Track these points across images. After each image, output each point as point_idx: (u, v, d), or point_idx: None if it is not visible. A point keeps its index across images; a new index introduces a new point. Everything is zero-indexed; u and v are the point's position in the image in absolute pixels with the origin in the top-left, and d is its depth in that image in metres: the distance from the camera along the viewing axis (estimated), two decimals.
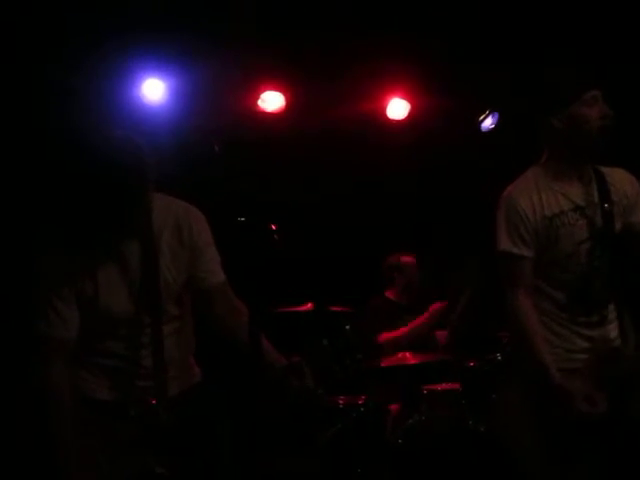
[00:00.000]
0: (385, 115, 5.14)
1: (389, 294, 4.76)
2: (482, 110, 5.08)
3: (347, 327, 3.90)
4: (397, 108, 5.15)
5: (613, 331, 2.58)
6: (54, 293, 2.14)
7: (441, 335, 4.60)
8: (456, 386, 4.10)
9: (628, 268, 2.60)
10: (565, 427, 2.41)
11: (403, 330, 4.51)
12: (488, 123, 5.23)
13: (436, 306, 4.55)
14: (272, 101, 4.91)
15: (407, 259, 4.79)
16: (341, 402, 4.11)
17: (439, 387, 4.20)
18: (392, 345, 4.39)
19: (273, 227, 2.27)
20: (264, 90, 4.90)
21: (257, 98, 4.89)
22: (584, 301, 2.55)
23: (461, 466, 3.74)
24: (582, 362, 2.53)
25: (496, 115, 5.20)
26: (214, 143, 4.01)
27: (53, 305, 2.14)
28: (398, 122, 5.14)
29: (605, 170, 2.61)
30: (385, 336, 4.48)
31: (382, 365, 4.20)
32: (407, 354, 4.17)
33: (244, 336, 2.16)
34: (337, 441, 3.92)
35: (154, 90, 4.64)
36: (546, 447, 2.45)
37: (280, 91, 4.91)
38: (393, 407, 4.12)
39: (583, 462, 2.42)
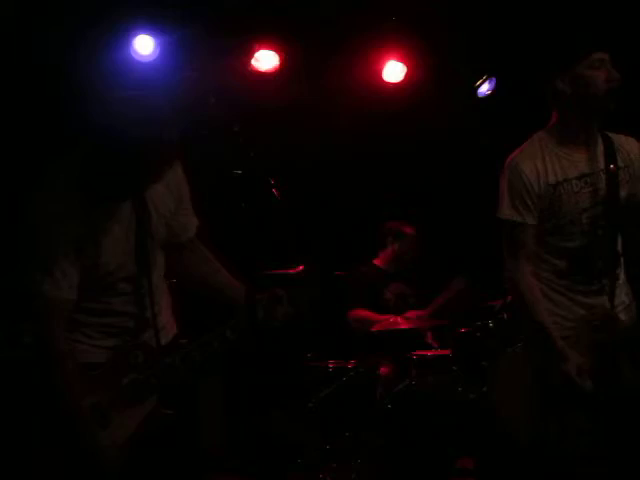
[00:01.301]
0: (381, 78, 5.04)
1: (377, 261, 4.67)
2: (480, 73, 5.00)
3: None
4: (393, 71, 5.05)
5: (610, 300, 2.55)
6: (59, 253, 2.06)
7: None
8: (447, 352, 4.10)
9: (631, 237, 2.57)
10: (563, 393, 2.40)
11: (377, 317, 4.29)
12: (485, 89, 5.14)
13: (413, 314, 4.32)
14: (266, 60, 4.79)
15: (408, 230, 4.64)
16: (331, 366, 4.10)
17: (429, 353, 4.20)
18: (362, 324, 4.30)
19: (272, 180, 2.24)
20: (258, 49, 4.78)
21: (251, 57, 4.78)
22: (585, 270, 2.52)
23: (450, 432, 3.75)
24: (577, 331, 2.52)
25: (493, 80, 5.11)
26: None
27: (59, 265, 2.06)
28: (395, 85, 5.05)
29: (613, 136, 2.57)
30: (358, 313, 4.36)
31: (373, 330, 4.18)
32: (398, 319, 4.15)
33: (215, 283, 2.21)
34: (327, 404, 3.92)
35: (145, 46, 4.52)
36: (544, 412, 2.44)
37: (275, 50, 4.80)
38: (383, 372, 4.10)
39: (580, 427, 2.42)
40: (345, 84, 4.90)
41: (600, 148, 2.54)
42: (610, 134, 2.58)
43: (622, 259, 2.59)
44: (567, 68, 2.44)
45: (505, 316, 3.93)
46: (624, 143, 2.58)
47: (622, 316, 2.55)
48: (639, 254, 2.63)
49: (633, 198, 2.56)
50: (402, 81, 5.05)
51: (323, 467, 3.73)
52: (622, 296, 2.57)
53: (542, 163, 2.51)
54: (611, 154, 2.53)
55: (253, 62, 4.77)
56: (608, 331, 2.50)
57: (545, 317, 2.47)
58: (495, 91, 5.07)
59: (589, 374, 2.39)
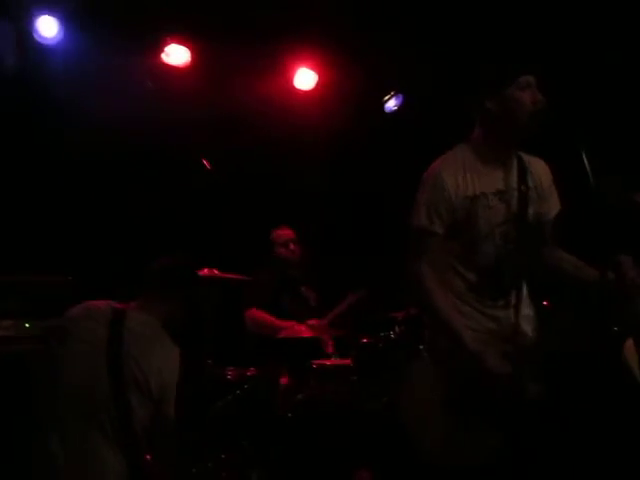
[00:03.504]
0: (292, 85, 5.02)
1: (279, 265, 4.65)
2: (388, 88, 5.07)
3: None
4: (305, 79, 5.05)
5: (515, 314, 2.61)
6: None
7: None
8: (347, 362, 4.09)
9: (535, 253, 2.66)
10: (471, 402, 2.44)
11: (277, 323, 4.29)
12: (392, 104, 5.22)
13: (314, 322, 4.34)
14: (177, 55, 4.66)
15: (279, 232, 4.62)
16: (230, 374, 3.99)
17: (328, 362, 4.18)
18: (258, 326, 4.26)
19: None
20: (169, 43, 4.65)
21: (161, 51, 4.63)
22: (494, 284, 2.59)
23: (349, 443, 3.74)
24: (486, 341, 2.57)
25: (400, 97, 5.20)
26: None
27: None
28: (305, 93, 5.04)
29: (526, 157, 2.67)
30: (255, 313, 4.31)
31: (277, 337, 4.12)
32: (302, 327, 4.11)
33: None
34: (224, 413, 3.81)
35: (48, 27, 4.28)
36: (450, 424, 2.47)
37: (186, 46, 4.67)
38: (283, 381, 4.04)
39: (485, 440, 2.45)
40: (255, 88, 4.84)
41: (515, 167, 2.63)
42: (523, 155, 2.67)
43: (527, 274, 2.68)
44: (497, 89, 2.50)
45: (404, 328, 3.98)
46: (534, 164, 2.69)
47: (526, 328, 2.63)
48: (542, 269, 2.72)
49: (539, 216, 2.66)
50: (313, 89, 5.05)
51: (218, 477, 3.61)
52: (526, 309, 2.66)
53: (462, 176, 2.56)
54: (523, 175, 2.63)
55: (163, 56, 4.64)
56: (514, 343, 2.56)
57: (451, 313, 2.52)
58: (402, 107, 5.16)
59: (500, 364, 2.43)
